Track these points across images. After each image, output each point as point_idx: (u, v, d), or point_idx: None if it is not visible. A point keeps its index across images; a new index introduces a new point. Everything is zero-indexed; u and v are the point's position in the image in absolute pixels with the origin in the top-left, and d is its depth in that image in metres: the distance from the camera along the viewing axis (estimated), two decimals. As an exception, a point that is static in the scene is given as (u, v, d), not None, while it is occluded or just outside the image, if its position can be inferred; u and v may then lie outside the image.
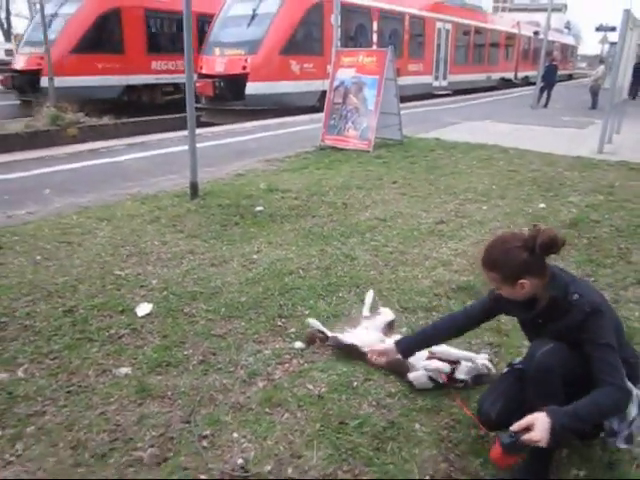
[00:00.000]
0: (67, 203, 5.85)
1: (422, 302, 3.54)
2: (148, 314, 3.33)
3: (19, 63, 16.77)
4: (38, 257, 4.22)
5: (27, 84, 16.21)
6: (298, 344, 3.05)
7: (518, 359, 2.40)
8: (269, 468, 2.08)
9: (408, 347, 2.56)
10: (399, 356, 2.57)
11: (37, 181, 6.83)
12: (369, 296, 3.43)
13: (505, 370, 2.37)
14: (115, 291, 3.65)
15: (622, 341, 2.03)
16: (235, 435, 2.28)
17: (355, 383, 2.65)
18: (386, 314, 3.20)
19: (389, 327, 3.09)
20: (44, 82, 14.99)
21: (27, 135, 12.00)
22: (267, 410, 2.44)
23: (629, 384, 1.94)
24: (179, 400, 2.52)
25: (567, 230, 5.00)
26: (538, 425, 1.76)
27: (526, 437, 1.77)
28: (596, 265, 4.21)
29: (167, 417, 2.40)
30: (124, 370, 2.74)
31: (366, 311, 3.29)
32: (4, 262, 4.09)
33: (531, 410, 1.86)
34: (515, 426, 1.82)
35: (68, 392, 2.57)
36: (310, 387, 2.61)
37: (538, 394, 1.94)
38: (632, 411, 1.99)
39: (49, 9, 16.12)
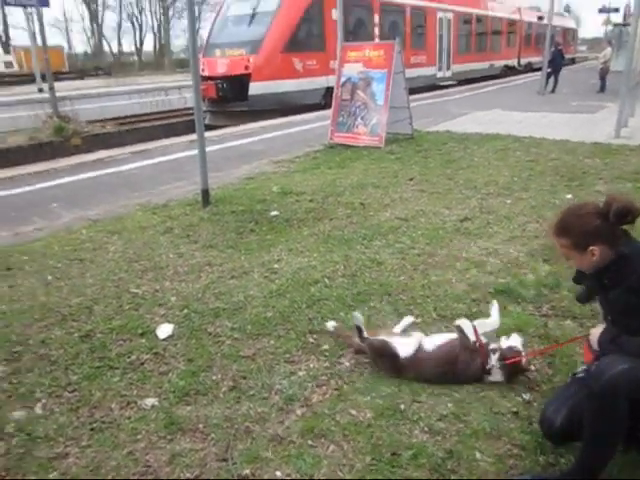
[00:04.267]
0: (75, 217, 5.65)
1: (460, 309, 3.31)
2: (170, 336, 3.12)
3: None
4: (49, 277, 4.02)
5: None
6: (331, 324, 3.10)
7: (580, 368, 2.22)
8: (321, 514, 1.86)
9: None
10: None
11: (43, 195, 6.62)
12: (407, 320, 3.13)
13: (569, 380, 2.14)
14: (133, 311, 3.44)
15: None
16: (278, 473, 2.06)
17: (402, 406, 2.43)
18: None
19: None
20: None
21: (30, 147, 11.84)
22: (310, 442, 2.22)
23: None
24: (212, 434, 2.31)
25: (600, 222, 4.76)
26: None
27: None
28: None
29: (201, 455, 2.19)
30: (150, 401, 2.54)
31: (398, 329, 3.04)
32: (14, 284, 3.89)
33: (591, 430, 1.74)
34: None
35: (91, 429, 2.37)
36: (354, 413, 2.39)
37: (601, 419, 1.73)
38: None
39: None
